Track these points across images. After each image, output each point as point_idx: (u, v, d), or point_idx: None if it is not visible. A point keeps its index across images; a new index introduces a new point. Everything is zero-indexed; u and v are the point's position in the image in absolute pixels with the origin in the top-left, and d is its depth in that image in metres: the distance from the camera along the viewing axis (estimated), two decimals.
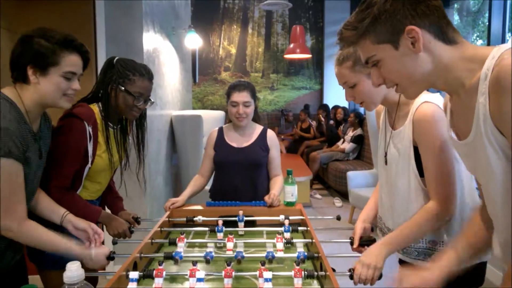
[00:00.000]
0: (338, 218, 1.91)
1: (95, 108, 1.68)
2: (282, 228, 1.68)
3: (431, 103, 1.28)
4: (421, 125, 1.29)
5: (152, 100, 1.78)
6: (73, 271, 0.74)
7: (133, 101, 1.68)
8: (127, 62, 1.72)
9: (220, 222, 1.67)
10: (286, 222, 1.69)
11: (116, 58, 1.72)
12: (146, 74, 1.72)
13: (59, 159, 1.54)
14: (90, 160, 1.62)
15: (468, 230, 1.17)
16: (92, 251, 1.37)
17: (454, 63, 0.93)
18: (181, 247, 1.53)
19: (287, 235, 1.64)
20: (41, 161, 1.42)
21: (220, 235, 1.65)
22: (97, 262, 1.39)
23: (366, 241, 1.57)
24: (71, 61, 1.35)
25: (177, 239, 1.56)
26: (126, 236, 1.76)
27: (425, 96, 1.31)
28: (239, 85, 2.15)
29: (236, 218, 1.78)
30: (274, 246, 1.53)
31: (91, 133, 1.61)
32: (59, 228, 1.45)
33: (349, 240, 1.62)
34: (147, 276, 1.23)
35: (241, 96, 2.12)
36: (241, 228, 1.77)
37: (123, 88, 1.67)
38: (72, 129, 1.57)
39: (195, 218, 1.84)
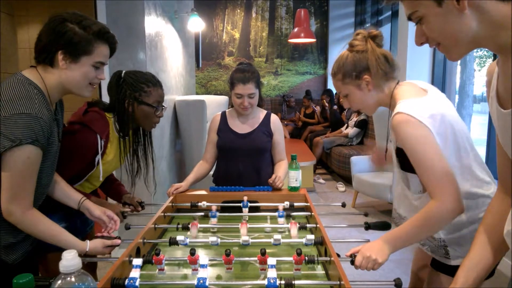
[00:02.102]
0: (344, 205, 1.91)
1: (110, 119, 1.70)
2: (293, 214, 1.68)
3: (402, 113, 1.24)
4: (396, 134, 1.28)
5: (165, 106, 1.80)
6: (69, 260, 0.72)
7: (154, 112, 1.72)
8: (136, 74, 1.73)
9: (214, 208, 1.69)
10: (280, 207, 1.68)
11: (123, 71, 1.73)
12: (157, 82, 1.76)
13: (61, 161, 1.52)
14: (94, 168, 1.65)
15: (482, 235, 1.06)
16: (87, 246, 1.36)
17: (507, 21, 0.81)
18: (194, 233, 1.53)
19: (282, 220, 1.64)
20: (59, 144, 1.41)
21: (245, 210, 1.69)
22: (93, 253, 1.39)
23: (378, 225, 1.60)
24: (103, 52, 1.37)
25: (190, 224, 1.55)
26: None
27: (401, 105, 1.28)
28: (244, 75, 2.06)
29: (241, 204, 1.78)
30: (278, 231, 1.53)
31: (102, 146, 1.63)
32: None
33: (357, 225, 1.63)
34: (146, 262, 1.22)
35: (246, 89, 2.06)
36: (245, 213, 1.77)
37: (141, 101, 1.69)
38: (84, 141, 1.59)
39: (199, 204, 1.83)
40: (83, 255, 1.37)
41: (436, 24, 0.88)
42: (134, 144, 1.81)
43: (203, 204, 1.83)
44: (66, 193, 1.51)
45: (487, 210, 1.10)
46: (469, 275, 1.00)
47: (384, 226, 1.60)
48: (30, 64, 1.36)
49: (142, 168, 1.85)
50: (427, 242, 1.42)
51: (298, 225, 1.53)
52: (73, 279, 0.71)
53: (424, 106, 1.27)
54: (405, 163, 1.34)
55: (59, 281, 0.71)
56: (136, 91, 1.69)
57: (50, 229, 1.32)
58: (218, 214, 1.69)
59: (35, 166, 1.25)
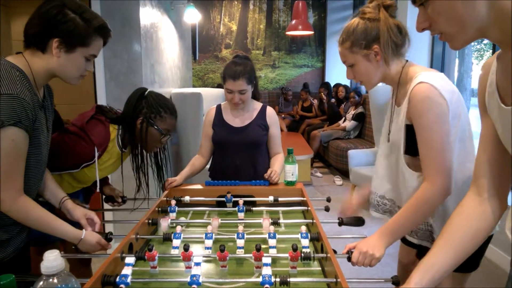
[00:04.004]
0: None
1: (114, 132, 1.69)
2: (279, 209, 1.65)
3: (426, 83, 1.24)
4: (415, 105, 1.26)
5: (172, 135, 1.81)
6: (52, 261, 0.68)
7: (160, 137, 1.74)
8: (159, 97, 1.76)
9: (173, 203, 1.68)
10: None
11: (148, 90, 1.76)
12: (175, 112, 1.79)
13: (52, 157, 1.50)
14: (78, 169, 1.64)
15: (444, 237, 1.00)
16: (82, 234, 1.34)
17: None
18: (165, 228, 1.50)
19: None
20: (48, 134, 1.37)
21: (241, 215, 1.65)
22: (85, 246, 1.37)
23: (352, 222, 1.57)
24: (98, 46, 1.35)
25: (161, 219, 1.52)
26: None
27: (423, 75, 1.27)
28: (235, 70, 2.01)
29: (239, 199, 1.74)
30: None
31: (97, 156, 1.63)
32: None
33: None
34: (139, 258, 1.19)
35: (236, 85, 2.01)
36: (229, 208, 1.77)
37: (153, 124, 1.71)
38: (79, 151, 1.60)
39: (181, 198, 1.81)
40: (74, 246, 1.35)
41: (443, 8, 0.83)
42: (134, 158, 1.78)
43: (186, 198, 1.81)
44: (51, 190, 1.47)
45: (455, 212, 1.03)
46: (424, 276, 0.96)
47: (358, 222, 1.58)
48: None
49: (142, 184, 1.84)
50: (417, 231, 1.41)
51: (270, 220, 1.50)
52: (55, 280, 0.68)
53: (445, 80, 1.28)
54: (411, 145, 1.32)
55: (41, 283, 0.67)
56: (152, 113, 1.71)
57: (43, 216, 1.28)
58: (177, 209, 1.68)
59: (22, 149, 1.20)
